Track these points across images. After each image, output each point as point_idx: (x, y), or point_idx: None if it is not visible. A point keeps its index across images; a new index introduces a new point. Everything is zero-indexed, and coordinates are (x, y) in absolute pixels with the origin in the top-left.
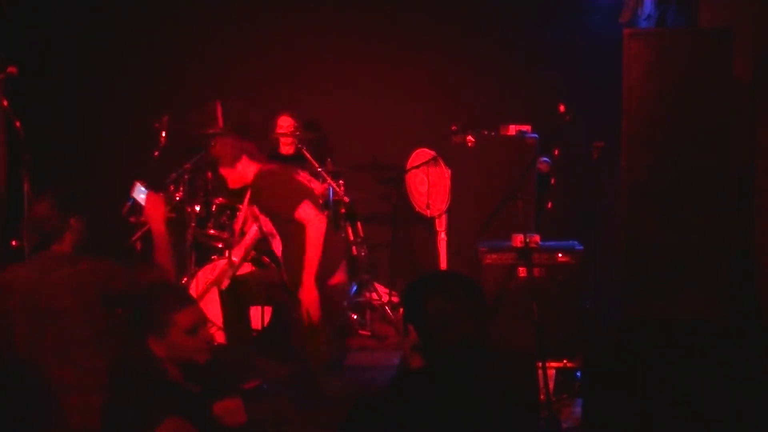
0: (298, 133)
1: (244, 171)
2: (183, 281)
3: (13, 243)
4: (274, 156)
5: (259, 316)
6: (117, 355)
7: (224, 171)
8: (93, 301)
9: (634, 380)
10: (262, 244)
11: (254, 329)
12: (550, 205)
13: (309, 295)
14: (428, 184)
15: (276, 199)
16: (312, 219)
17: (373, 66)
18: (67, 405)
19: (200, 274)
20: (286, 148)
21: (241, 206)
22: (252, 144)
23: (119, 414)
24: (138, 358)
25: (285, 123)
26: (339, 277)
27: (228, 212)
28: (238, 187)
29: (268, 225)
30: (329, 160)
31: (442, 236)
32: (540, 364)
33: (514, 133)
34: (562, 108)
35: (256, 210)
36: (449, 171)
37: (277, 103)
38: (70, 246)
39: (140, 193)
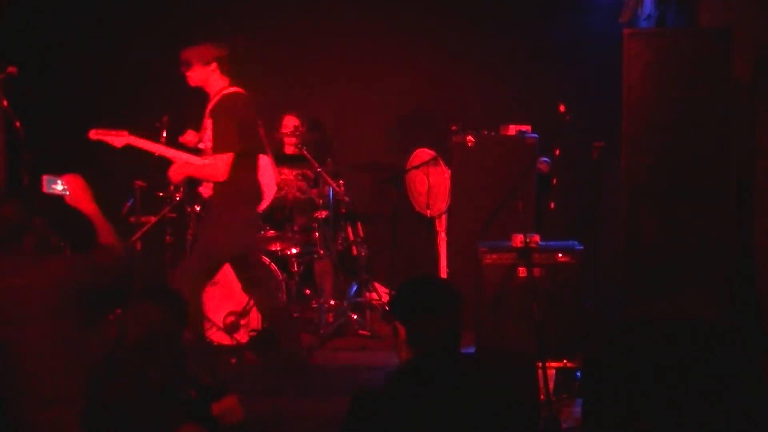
0: (301, 132)
1: (210, 79)
2: None
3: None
4: (279, 155)
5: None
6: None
7: (190, 71)
8: (70, 298)
9: (634, 380)
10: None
11: (255, 329)
12: (552, 205)
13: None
14: (428, 184)
15: (220, 128)
16: (216, 167)
17: (374, 66)
18: (49, 418)
19: None
20: (290, 148)
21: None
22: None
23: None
24: (170, 353)
25: (290, 123)
26: None
27: None
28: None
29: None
30: (329, 160)
31: (442, 236)
32: (540, 364)
33: (514, 133)
34: (562, 108)
35: (211, 123)
36: (449, 171)
37: (277, 103)
38: (32, 246)
39: (53, 184)
